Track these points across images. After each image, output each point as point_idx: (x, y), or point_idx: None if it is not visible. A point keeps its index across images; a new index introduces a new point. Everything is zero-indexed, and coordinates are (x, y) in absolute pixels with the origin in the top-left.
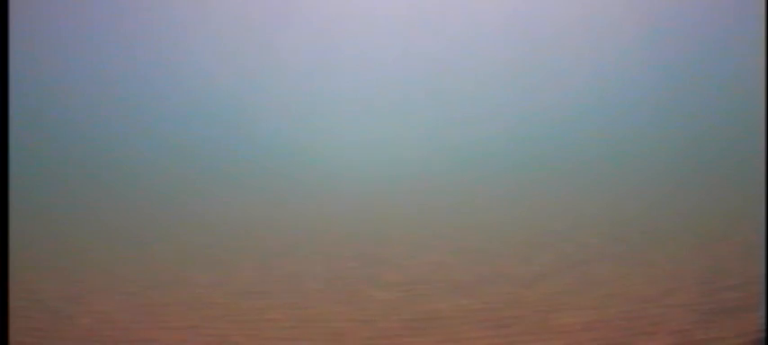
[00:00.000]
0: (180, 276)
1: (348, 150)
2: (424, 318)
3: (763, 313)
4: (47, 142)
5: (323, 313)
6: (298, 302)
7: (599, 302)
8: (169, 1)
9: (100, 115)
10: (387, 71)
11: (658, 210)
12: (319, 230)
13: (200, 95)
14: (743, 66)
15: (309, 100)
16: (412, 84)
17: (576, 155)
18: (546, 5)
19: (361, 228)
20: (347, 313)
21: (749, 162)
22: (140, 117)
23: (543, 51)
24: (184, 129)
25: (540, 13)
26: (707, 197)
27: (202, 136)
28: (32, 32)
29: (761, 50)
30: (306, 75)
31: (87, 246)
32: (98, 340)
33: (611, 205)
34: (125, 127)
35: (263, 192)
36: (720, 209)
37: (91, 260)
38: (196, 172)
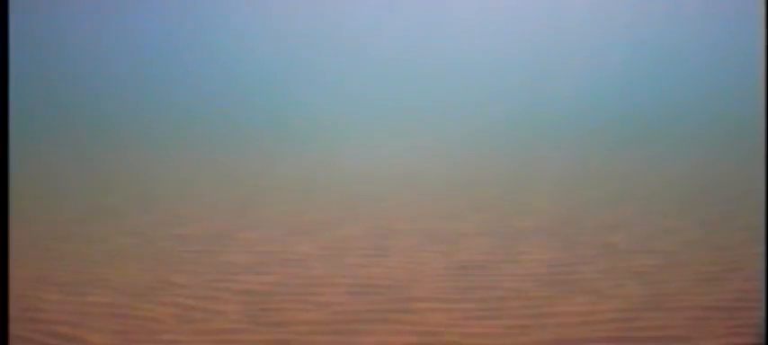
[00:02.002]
0: (183, 274)
1: (362, 147)
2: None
3: (763, 313)
4: (47, 141)
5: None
6: (303, 289)
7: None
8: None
9: (101, 114)
10: (394, 65)
11: (657, 209)
12: (325, 221)
13: (203, 94)
14: (743, 65)
15: (313, 95)
16: (420, 79)
17: (575, 154)
18: (547, 3)
19: (368, 224)
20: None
21: (749, 161)
22: (142, 116)
23: (541, 47)
24: (188, 128)
25: (539, 11)
26: (707, 195)
27: (206, 136)
28: (32, 32)
29: (761, 50)
30: (310, 67)
31: (88, 246)
32: (99, 339)
33: (608, 203)
34: (127, 126)
35: (270, 187)
36: (720, 208)
37: (92, 260)
38: (199, 171)
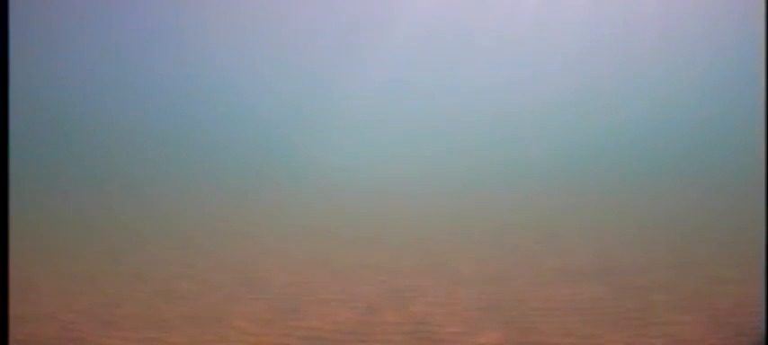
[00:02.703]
0: (182, 275)
1: (369, 156)
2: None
3: (763, 313)
4: (47, 142)
5: (321, 313)
6: (296, 303)
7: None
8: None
9: (101, 114)
10: (402, 76)
11: (657, 210)
12: (323, 231)
13: (203, 94)
14: (743, 66)
15: (316, 101)
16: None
17: (575, 157)
18: (548, 8)
19: (367, 233)
20: (348, 315)
21: (749, 162)
22: (142, 116)
23: (543, 50)
24: (186, 128)
25: (541, 15)
26: (707, 196)
27: (205, 135)
28: (32, 32)
29: (761, 50)
30: (313, 75)
31: (87, 245)
32: (97, 338)
33: (608, 204)
34: (126, 126)
35: (267, 192)
36: (720, 209)
37: (91, 260)
38: (198, 171)
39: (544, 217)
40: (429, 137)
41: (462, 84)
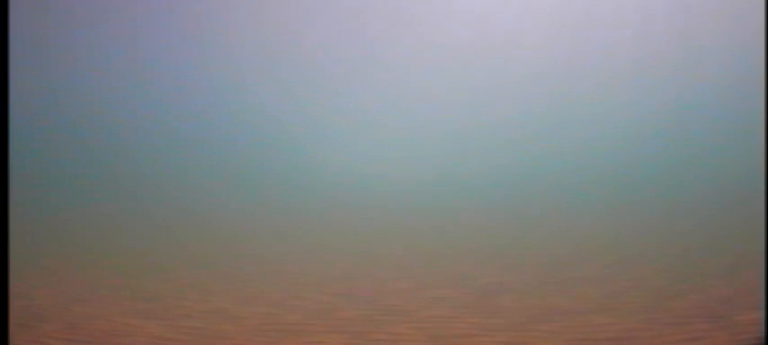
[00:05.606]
0: (180, 276)
1: (377, 162)
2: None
3: (763, 313)
4: (47, 142)
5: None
6: (296, 306)
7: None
8: (171, 1)
9: (101, 115)
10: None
11: (657, 211)
12: (325, 236)
13: (203, 96)
14: (743, 66)
15: (320, 108)
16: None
17: (576, 158)
18: (547, 8)
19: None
20: (350, 321)
21: (749, 162)
22: (142, 117)
23: (544, 50)
24: (187, 130)
25: (540, 15)
26: (708, 196)
27: (205, 136)
28: (32, 32)
29: (761, 50)
30: (317, 80)
31: (87, 246)
32: (96, 340)
33: (611, 204)
34: (126, 127)
35: (267, 195)
36: (721, 209)
37: (91, 260)
38: (198, 172)
39: (552, 218)
40: (444, 142)
41: (471, 88)
